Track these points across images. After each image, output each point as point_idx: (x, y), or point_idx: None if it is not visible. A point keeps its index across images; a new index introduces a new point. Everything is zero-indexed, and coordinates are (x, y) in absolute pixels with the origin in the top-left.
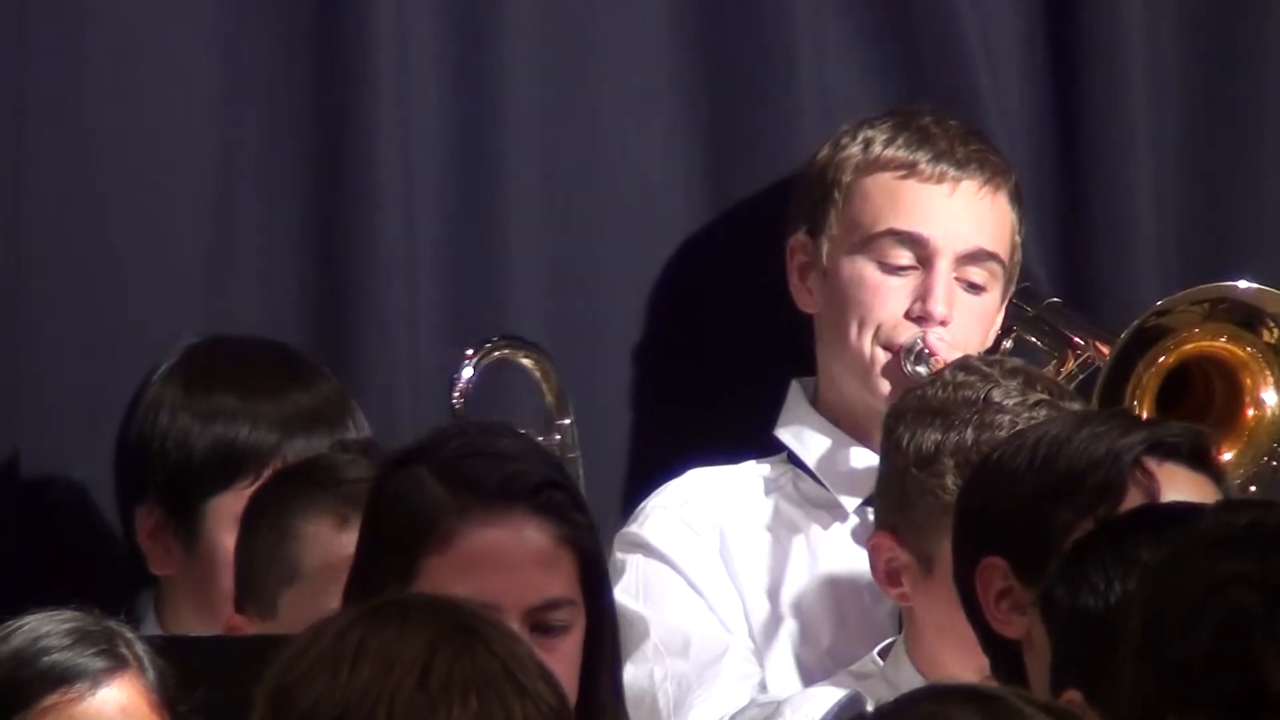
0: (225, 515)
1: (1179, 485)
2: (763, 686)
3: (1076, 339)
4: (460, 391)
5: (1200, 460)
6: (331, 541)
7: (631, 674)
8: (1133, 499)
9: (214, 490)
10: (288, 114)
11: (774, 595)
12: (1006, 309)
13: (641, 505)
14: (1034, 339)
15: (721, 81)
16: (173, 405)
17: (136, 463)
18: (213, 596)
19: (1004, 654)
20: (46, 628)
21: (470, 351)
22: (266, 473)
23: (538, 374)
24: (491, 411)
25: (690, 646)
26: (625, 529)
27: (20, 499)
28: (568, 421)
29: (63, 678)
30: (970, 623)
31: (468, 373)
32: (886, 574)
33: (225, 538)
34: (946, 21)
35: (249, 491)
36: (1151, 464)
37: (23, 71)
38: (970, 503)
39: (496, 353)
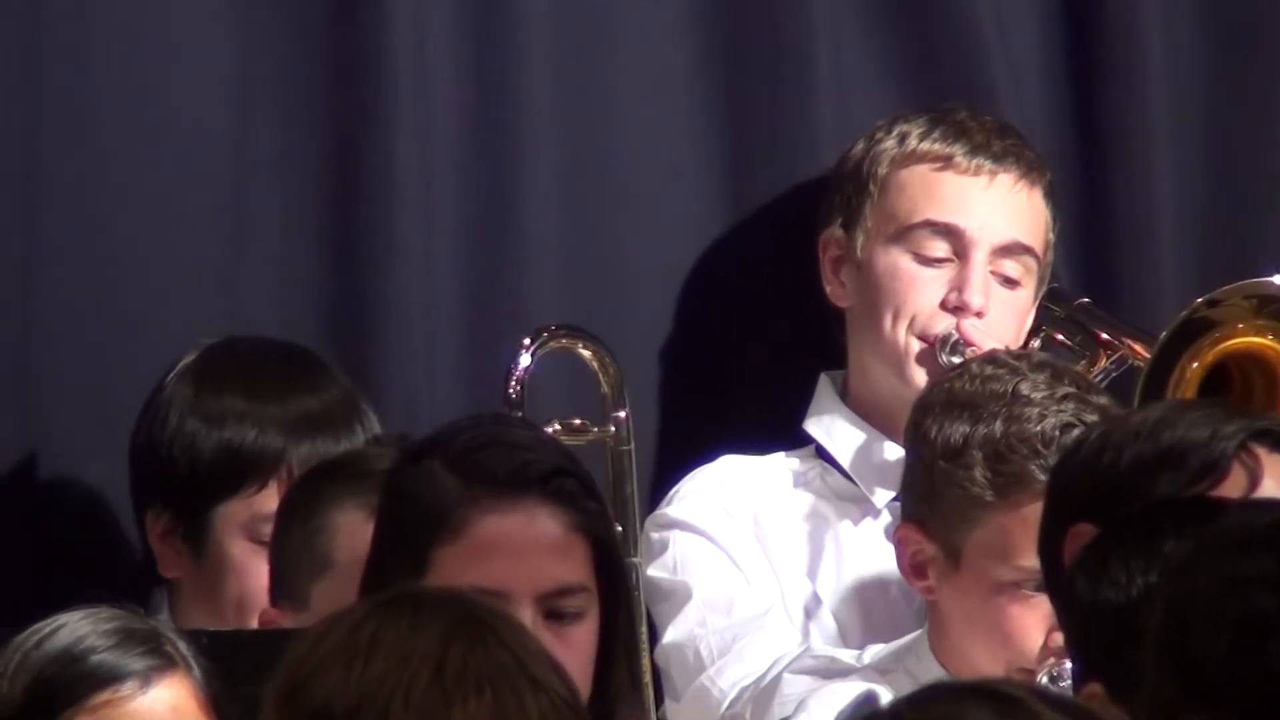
0: (232, 522)
1: None
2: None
3: (1108, 338)
4: (517, 380)
5: None
6: (362, 533)
7: (672, 634)
8: (1235, 480)
9: (220, 498)
10: (304, 107)
11: (801, 587)
12: (1035, 310)
13: (675, 488)
14: (1064, 338)
15: (739, 77)
16: (181, 408)
17: (147, 465)
18: (220, 601)
19: None
20: (90, 626)
21: (527, 340)
22: (273, 480)
23: (595, 365)
24: (547, 401)
25: (734, 606)
26: (659, 511)
27: (33, 498)
28: (623, 414)
29: (112, 676)
30: (1051, 595)
31: (525, 361)
32: (912, 566)
33: (232, 544)
34: (965, 19)
35: (255, 499)
36: (1259, 450)
37: (36, 67)
38: (1068, 471)
39: (554, 342)
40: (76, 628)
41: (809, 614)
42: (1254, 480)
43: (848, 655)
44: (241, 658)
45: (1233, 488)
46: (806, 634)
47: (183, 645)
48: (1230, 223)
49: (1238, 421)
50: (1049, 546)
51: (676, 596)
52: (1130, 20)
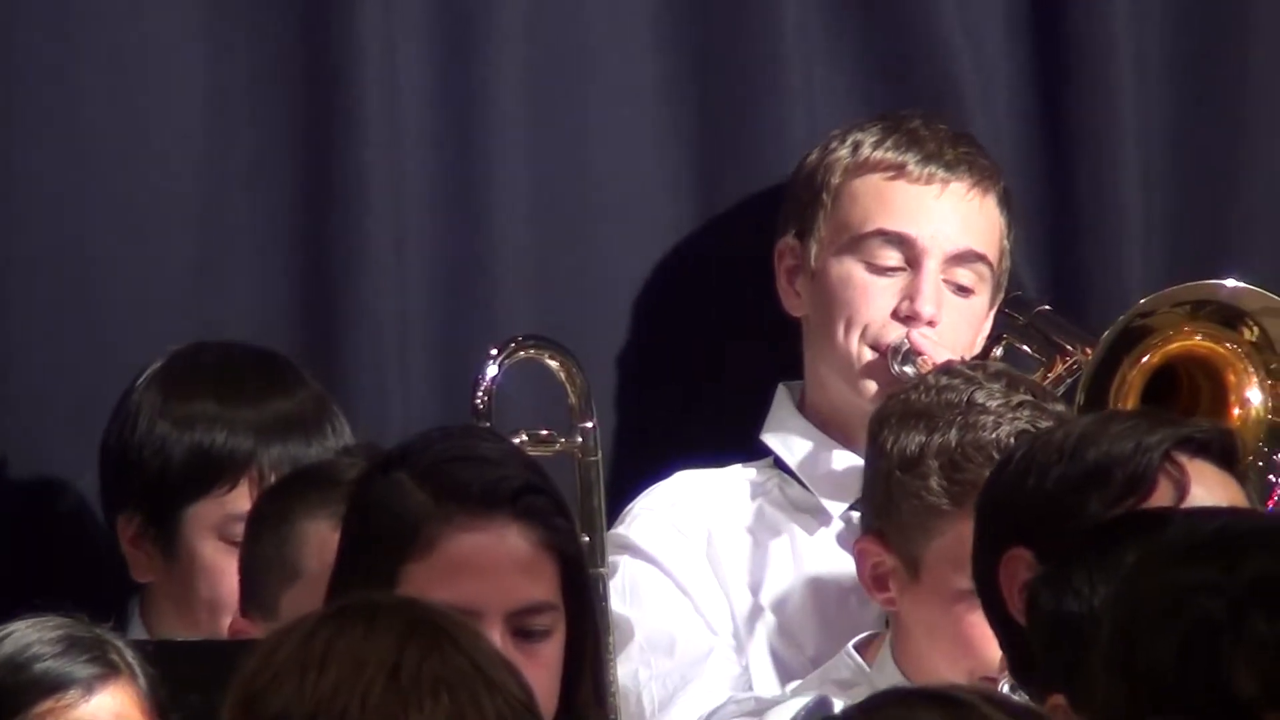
0: (202, 523)
1: (1208, 482)
2: (748, 686)
3: (1067, 345)
4: (484, 390)
5: (1228, 459)
6: (332, 542)
7: (618, 674)
8: (1163, 492)
9: (191, 498)
10: (276, 118)
11: (759, 599)
12: (997, 317)
13: (629, 507)
14: (1025, 347)
15: (709, 87)
16: (151, 412)
17: (117, 470)
18: (192, 604)
19: (1024, 648)
20: (35, 635)
21: (495, 350)
22: (243, 480)
23: (562, 375)
24: (514, 411)
25: (676, 646)
26: (612, 530)
27: (8, 504)
28: (590, 425)
29: (56, 684)
30: (988, 617)
31: (491, 371)
32: (873, 579)
33: (202, 545)
34: (933, 27)
35: (226, 498)
36: (1182, 458)
37: (11, 74)
38: (996, 495)
39: (521, 352)
40: (21, 636)
41: (765, 631)
42: (1181, 490)
43: (771, 694)
44: (190, 666)
45: (1161, 500)
46: (753, 654)
47: (129, 653)
48: (1197, 226)
49: (1160, 431)
50: (983, 571)
51: (621, 632)
52: (1097, 25)
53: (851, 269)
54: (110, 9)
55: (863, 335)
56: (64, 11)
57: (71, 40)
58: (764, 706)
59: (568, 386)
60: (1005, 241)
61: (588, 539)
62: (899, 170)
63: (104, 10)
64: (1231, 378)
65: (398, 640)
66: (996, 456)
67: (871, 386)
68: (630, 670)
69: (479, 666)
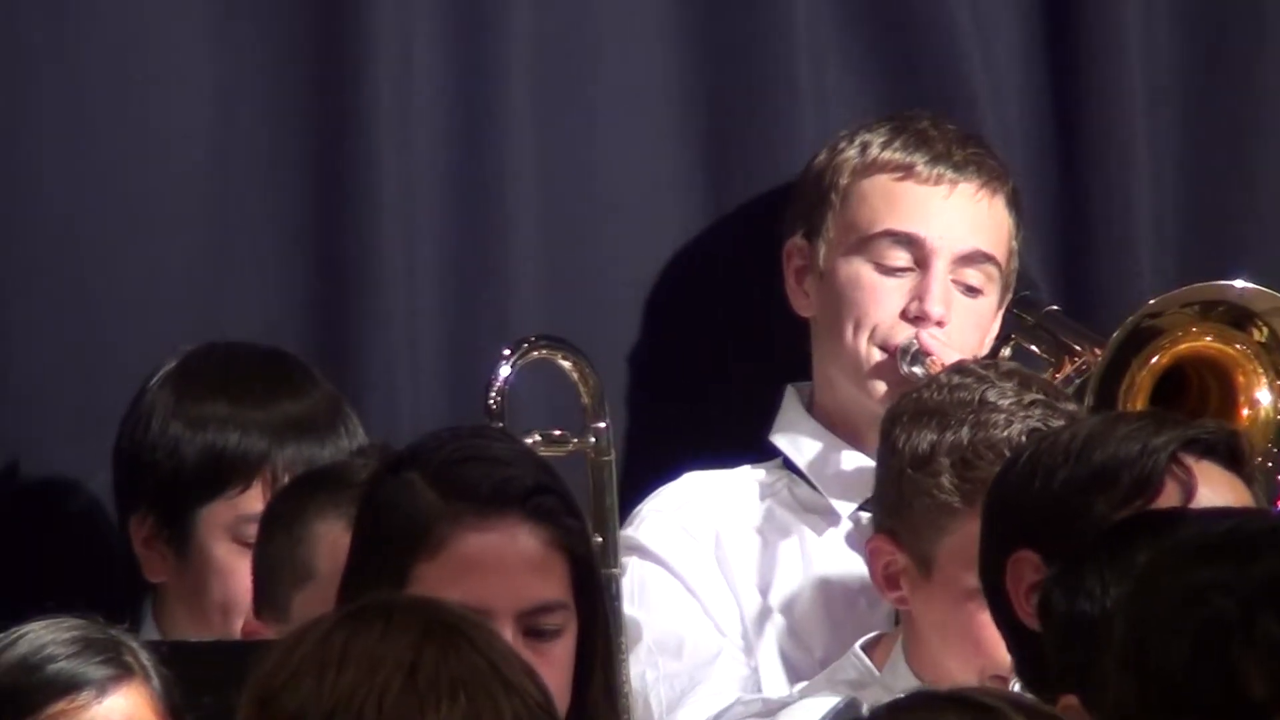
0: (215, 524)
1: (1215, 483)
2: (756, 687)
3: (1075, 346)
4: (497, 390)
5: (1235, 460)
6: (345, 543)
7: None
8: (1169, 494)
9: (204, 499)
10: (287, 115)
11: (767, 600)
12: (1006, 317)
13: (637, 509)
14: (1033, 347)
15: (720, 85)
16: (164, 413)
17: (130, 471)
18: (205, 605)
19: (1030, 650)
20: (50, 635)
21: (508, 351)
22: (256, 481)
23: (575, 375)
24: (527, 411)
25: (684, 647)
26: (622, 531)
27: (19, 505)
28: (604, 424)
29: (69, 685)
30: (995, 618)
31: (505, 372)
32: (885, 578)
33: (215, 546)
34: (945, 29)
35: (239, 500)
36: (1189, 460)
37: (19, 71)
38: (1003, 496)
39: (534, 353)
40: (36, 637)
41: (774, 633)
42: (1188, 492)
43: (777, 695)
44: (204, 668)
45: (1167, 501)
46: (761, 654)
47: (143, 655)
48: (1207, 229)
49: (1167, 433)
50: (990, 573)
51: (629, 635)
52: (1109, 26)
53: (860, 269)
54: (117, 5)
55: (871, 336)
56: (69, 7)
57: (77, 37)
58: (771, 708)
59: (580, 387)
60: (1013, 242)
61: (600, 539)
62: (907, 171)
63: (110, 7)
64: (1240, 378)
65: (415, 640)
66: (1008, 454)
67: (880, 387)
68: (638, 672)
69: (496, 667)
